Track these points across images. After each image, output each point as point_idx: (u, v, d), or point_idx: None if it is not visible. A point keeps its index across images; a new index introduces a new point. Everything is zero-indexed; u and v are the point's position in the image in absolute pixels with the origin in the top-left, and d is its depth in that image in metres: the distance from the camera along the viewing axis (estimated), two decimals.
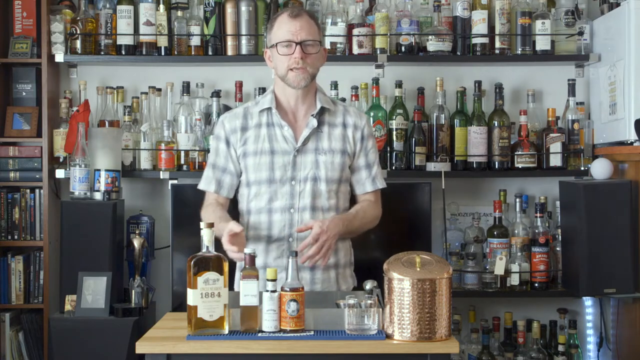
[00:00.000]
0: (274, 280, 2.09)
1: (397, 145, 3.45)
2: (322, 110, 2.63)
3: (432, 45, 3.49)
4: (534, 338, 3.46)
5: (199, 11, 3.59)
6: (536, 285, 3.45)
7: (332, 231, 2.45)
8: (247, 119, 2.65)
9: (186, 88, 3.53)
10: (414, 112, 3.48)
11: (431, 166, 3.45)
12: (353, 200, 2.71)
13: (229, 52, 3.53)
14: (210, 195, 2.68)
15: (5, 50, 3.56)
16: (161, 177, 3.45)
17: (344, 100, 3.46)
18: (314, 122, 2.60)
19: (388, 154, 3.47)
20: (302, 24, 2.53)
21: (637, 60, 3.22)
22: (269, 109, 2.63)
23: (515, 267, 3.41)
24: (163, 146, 3.45)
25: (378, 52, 3.49)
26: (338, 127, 2.64)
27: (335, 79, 3.47)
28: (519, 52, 3.52)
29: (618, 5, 3.40)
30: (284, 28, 2.54)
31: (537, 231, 3.45)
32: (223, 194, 2.66)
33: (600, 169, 3.27)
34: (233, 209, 2.67)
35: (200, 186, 2.70)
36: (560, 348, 3.45)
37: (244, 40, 3.52)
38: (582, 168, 3.48)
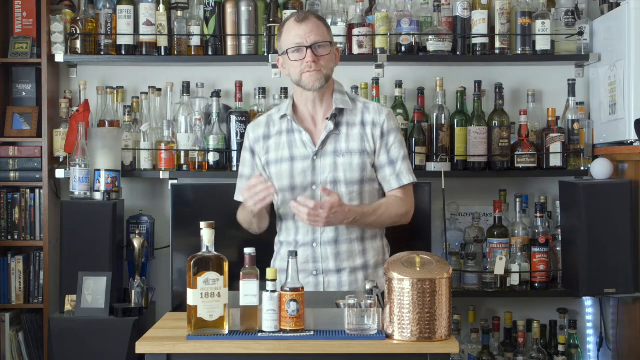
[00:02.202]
0: (274, 280, 2.10)
1: None
2: (341, 111, 2.60)
3: (432, 45, 3.49)
4: (534, 338, 3.45)
5: (199, 11, 3.59)
6: (536, 285, 3.45)
7: (334, 217, 2.43)
8: (270, 127, 2.65)
9: (186, 88, 3.53)
10: (414, 112, 3.47)
11: (431, 166, 3.45)
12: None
13: (229, 52, 3.53)
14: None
15: (5, 50, 3.56)
16: (161, 177, 3.45)
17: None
18: (330, 125, 2.57)
19: None
20: (310, 27, 2.51)
21: (637, 60, 3.22)
22: (287, 115, 2.62)
23: (515, 267, 3.41)
24: (163, 146, 3.45)
25: (378, 52, 3.48)
26: (357, 127, 2.60)
27: (335, 79, 3.46)
28: (519, 52, 3.52)
29: (618, 5, 3.40)
30: (293, 33, 2.52)
31: (537, 231, 3.45)
32: None
33: (600, 169, 3.27)
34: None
35: (235, 197, 2.70)
36: (560, 348, 3.45)
37: (244, 40, 3.52)
38: (582, 168, 3.48)
